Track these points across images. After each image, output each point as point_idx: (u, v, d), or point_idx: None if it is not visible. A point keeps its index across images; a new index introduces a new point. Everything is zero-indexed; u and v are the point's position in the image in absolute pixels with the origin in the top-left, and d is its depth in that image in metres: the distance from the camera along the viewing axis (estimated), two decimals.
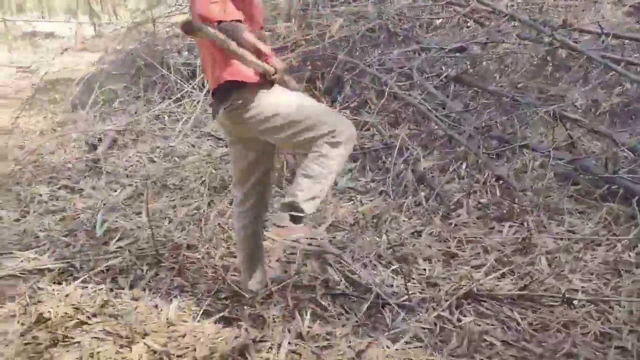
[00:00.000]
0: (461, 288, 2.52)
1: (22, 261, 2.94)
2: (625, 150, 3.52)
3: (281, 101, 2.19)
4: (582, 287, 2.53)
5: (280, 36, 5.64)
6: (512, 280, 2.62)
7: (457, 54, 5.03)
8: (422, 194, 3.52)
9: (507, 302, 2.45)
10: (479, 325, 2.31)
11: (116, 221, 3.37)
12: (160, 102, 5.26)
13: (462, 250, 2.94)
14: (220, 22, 2.03)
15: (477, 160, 3.68)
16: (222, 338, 2.26)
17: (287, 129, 2.16)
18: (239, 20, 2.07)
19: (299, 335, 2.26)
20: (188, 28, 2.00)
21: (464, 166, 3.88)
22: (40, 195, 3.81)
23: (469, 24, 5.49)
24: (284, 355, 2.13)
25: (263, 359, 2.13)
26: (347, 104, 4.98)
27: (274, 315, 2.38)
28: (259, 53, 2.12)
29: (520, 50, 4.92)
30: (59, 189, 3.97)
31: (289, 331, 2.28)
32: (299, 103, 2.22)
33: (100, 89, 5.68)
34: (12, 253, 3.03)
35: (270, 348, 2.18)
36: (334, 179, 2.27)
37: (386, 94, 4.52)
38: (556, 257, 2.80)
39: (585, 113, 4.55)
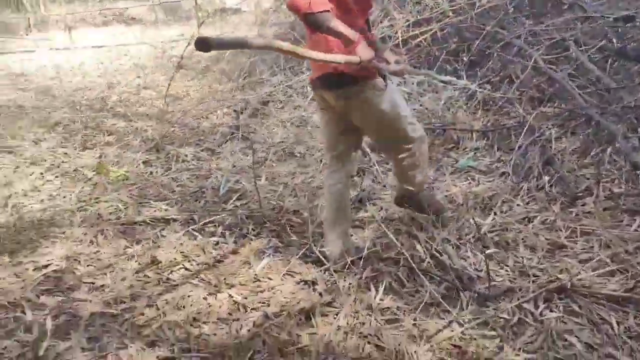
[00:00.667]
0: (555, 281, 2.30)
1: (155, 211, 3.37)
2: None
3: (387, 106, 2.45)
4: None
5: (428, 6, 5.48)
6: (620, 280, 2.30)
7: (625, 24, 4.41)
8: (546, 178, 3.22)
9: (606, 303, 2.17)
10: (565, 322, 2.09)
11: (239, 182, 3.66)
12: (299, 74, 5.46)
13: (574, 242, 2.65)
14: (307, 14, 2.13)
15: (616, 144, 3.23)
16: (296, 298, 2.38)
17: (379, 131, 2.57)
18: (327, 11, 2.13)
19: (369, 307, 2.28)
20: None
21: (608, 151, 3.45)
22: (186, 155, 4.28)
23: None
24: (345, 322, 2.17)
25: (326, 323, 2.19)
26: (488, 78, 4.69)
27: (350, 284, 2.42)
28: (347, 41, 2.18)
29: None
30: (202, 150, 4.41)
31: (360, 301, 2.31)
32: (397, 111, 2.50)
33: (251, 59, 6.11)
34: (149, 203, 3.48)
35: (337, 315, 2.23)
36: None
37: (529, 67, 4.17)
38: None
39: None
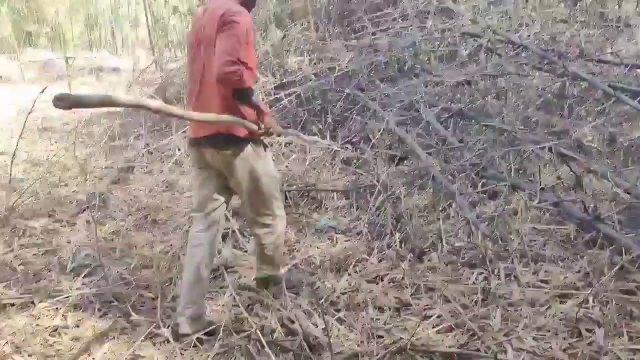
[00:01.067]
0: (397, 342, 2.37)
1: None
2: (621, 191, 3.22)
3: (265, 169, 2.62)
4: (531, 346, 2.30)
5: (291, 70, 5.68)
6: (457, 334, 2.42)
7: (463, 87, 4.86)
8: (397, 235, 3.37)
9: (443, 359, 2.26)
10: None
11: (90, 256, 3.45)
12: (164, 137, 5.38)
13: (419, 299, 2.77)
14: (240, 89, 2.39)
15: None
16: None
17: (253, 194, 2.63)
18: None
19: None
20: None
21: (453, 205, 3.69)
22: (35, 228, 3.98)
23: (480, 57, 5.28)
24: None
25: None
26: (349, 138, 4.90)
27: None
28: (259, 112, 2.51)
29: (531, 82, 4.68)
30: (54, 222, 4.13)
31: None
32: (273, 177, 2.70)
33: (121, 122, 5.94)
34: None
35: None
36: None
37: (382, 129, 4.43)
38: (518, 310, 2.58)
39: (600, 149, 4.26)
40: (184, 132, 5.29)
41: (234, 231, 3.65)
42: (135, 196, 4.56)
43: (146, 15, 14.43)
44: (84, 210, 4.34)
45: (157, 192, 4.60)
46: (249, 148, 2.54)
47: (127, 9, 17.33)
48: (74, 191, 4.78)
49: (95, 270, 3.29)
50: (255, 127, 2.50)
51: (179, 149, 5.24)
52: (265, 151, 2.66)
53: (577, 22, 5.63)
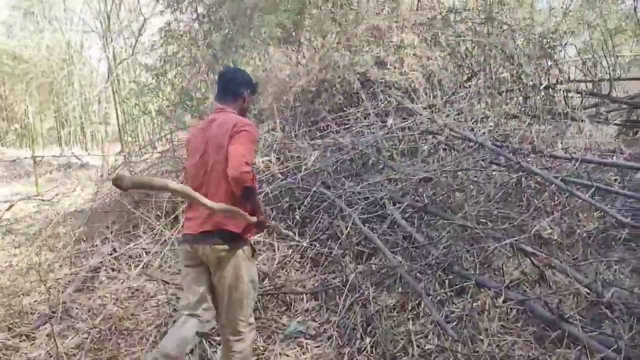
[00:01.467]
0: None
1: None
2: (582, 288, 3.30)
3: (249, 274, 2.83)
4: None
5: (259, 170, 5.80)
6: None
7: (426, 183, 5.02)
8: (367, 339, 3.35)
9: None
10: None
11: None
12: (130, 243, 5.33)
13: None
14: (248, 187, 2.66)
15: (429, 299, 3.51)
16: None
17: (232, 296, 2.78)
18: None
19: None
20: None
21: (422, 305, 3.71)
22: None
23: (441, 153, 5.52)
24: None
25: None
26: (317, 236, 4.95)
27: None
28: (258, 209, 2.81)
29: (489, 179, 4.88)
30: (13, 337, 3.97)
31: None
32: (255, 284, 2.89)
33: (88, 225, 5.89)
34: None
35: None
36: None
37: (348, 227, 4.50)
38: None
39: (560, 241, 4.39)
40: (153, 234, 5.28)
41: (201, 340, 3.57)
42: (100, 304, 4.44)
43: (117, 113, 14.77)
44: (45, 322, 4.20)
45: (123, 300, 4.49)
46: (242, 247, 2.81)
47: (96, 106, 17.65)
48: (35, 301, 4.64)
49: None
50: (254, 219, 2.77)
51: (147, 253, 5.19)
52: (253, 256, 2.90)
53: (528, 118, 5.97)
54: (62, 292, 4.61)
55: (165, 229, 5.19)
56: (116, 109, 15.32)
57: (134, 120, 13.75)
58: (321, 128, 6.46)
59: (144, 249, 5.17)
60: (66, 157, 16.03)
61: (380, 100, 6.37)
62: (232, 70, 3.23)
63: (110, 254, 5.04)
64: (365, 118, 6.26)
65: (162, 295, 4.38)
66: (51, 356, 3.61)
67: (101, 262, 5.02)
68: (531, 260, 3.94)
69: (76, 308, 4.38)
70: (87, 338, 3.85)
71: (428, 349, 3.21)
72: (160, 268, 4.80)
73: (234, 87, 3.00)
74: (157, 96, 9.63)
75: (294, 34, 8.06)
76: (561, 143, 5.30)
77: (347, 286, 3.78)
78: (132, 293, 4.64)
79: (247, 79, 3.07)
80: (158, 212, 5.52)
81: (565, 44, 7.43)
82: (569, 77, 7.13)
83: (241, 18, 8.00)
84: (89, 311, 4.34)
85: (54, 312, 4.30)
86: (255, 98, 2.95)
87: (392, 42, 6.60)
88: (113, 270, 4.98)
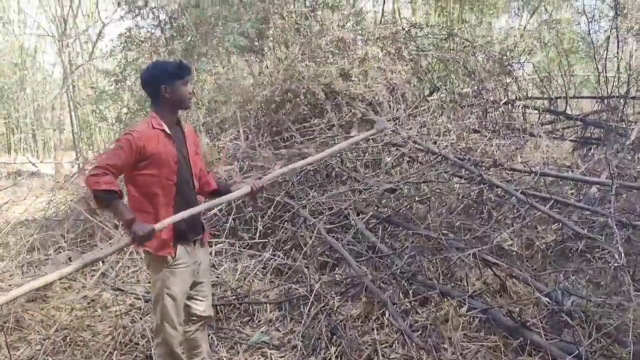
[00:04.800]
0: None
1: None
2: (542, 297, 3.38)
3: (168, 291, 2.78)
4: None
5: (220, 178, 5.72)
6: None
7: (389, 195, 5.07)
8: (332, 349, 3.32)
9: None
10: None
11: None
12: (86, 252, 5.16)
13: None
14: (95, 190, 2.59)
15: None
16: None
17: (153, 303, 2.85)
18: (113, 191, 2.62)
19: None
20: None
21: (387, 314, 3.71)
22: None
23: (405, 165, 5.58)
24: None
25: None
26: (280, 246, 4.91)
27: None
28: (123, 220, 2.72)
29: (451, 191, 4.96)
30: None
31: None
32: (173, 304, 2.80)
33: (41, 233, 5.66)
34: None
35: None
36: None
37: (313, 237, 4.48)
38: None
39: (520, 252, 4.49)
40: (110, 244, 5.12)
41: None
42: (54, 315, 4.26)
43: (71, 120, 14.34)
44: None
45: (78, 310, 4.32)
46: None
47: (50, 114, 17.11)
48: None
49: None
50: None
51: (104, 262, 5.02)
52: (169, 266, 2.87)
53: (488, 132, 6.12)
54: (14, 303, 4.39)
55: (123, 236, 5.04)
56: (71, 116, 14.87)
57: (90, 127, 13.37)
58: (285, 138, 6.44)
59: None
60: (17, 164, 15.44)
61: (345, 112, 6.40)
62: (144, 72, 2.81)
63: (65, 263, 4.84)
64: (329, 129, 6.28)
65: (121, 305, 4.24)
66: None
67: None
68: (493, 271, 4.01)
69: (28, 319, 4.19)
70: (40, 350, 3.68)
71: (393, 357, 3.21)
72: (117, 277, 4.64)
73: (149, 91, 2.78)
74: (116, 103, 9.40)
75: (257, 43, 8.04)
76: (520, 157, 5.44)
77: (312, 296, 3.75)
78: (88, 303, 4.48)
79: (160, 73, 2.75)
80: (115, 221, 5.36)
81: (523, 62, 7.67)
82: (526, 94, 7.37)
83: (204, 26, 7.93)
84: (41, 322, 4.16)
85: (4, 323, 4.10)
86: (190, 83, 2.63)
87: (356, 54, 6.67)
88: (68, 279, 4.78)
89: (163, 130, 2.73)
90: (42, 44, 19.72)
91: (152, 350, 3.01)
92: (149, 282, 4.57)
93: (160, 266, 2.74)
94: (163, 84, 2.71)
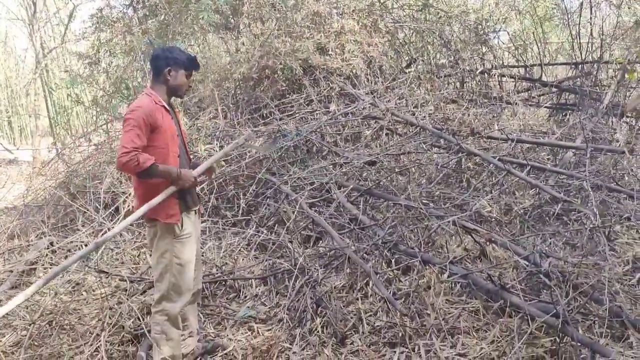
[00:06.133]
0: None
1: None
2: (521, 260, 3.46)
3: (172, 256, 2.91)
4: None
5: (201, 157, 5.70)
6: None
7: (369, 167, 5.10)
8: (318, 320, 3.37)
9: None
10: None
11: None
12: (68, 236, 5.13)
13: None
14: (139, 172, 2.79)
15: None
16: None
17: (157, 273, 2.94)
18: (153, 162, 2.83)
19: None
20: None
21: (370, 284, 3.77)
22: None
23: (384, 137, 5.61)
24: None
25: None
26: (263, 222, 4.93)
27: None
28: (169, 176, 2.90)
29: (430, 161, 5.01)
30: None
31: None
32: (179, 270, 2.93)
33: (21, 220, 5.61)
34: None
35: None
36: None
37: (295, 211, 4.51)
38: None
39: (499, 218, 4.57)
40: (92, 227, 5.10)
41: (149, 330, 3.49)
42: (38, 300, 4.25)
43: (47, 105, 14.05)
44: None
45: (62, 294, 4.32)
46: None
47: (25, 100, 16.74)
48: None
49: None
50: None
51: (86, 245, 4.99)
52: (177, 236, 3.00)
53: (465, 102, 6.16)
54: None
55: (105, 220, 5.02)
56: (46, 101, 14.58)
57: (67, 112, 13.12)
58: (264, 115, 6.42)
59: (82, 242, 4.98)
60: None
61: (323, 86, 6.39)
62: (159, 49, 3.03)
63: (47, 248, 4.82)
64: (308, 105, 6.27)
65: (106, 287, 4.24)
66: None
67: (37, 257, 4.79)
68: (472, 237, 4.09)
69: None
70: (25, 335, 3.68)
71: (378, 325, 3.27)
72: (101, 260, 4.63)
73: (155, 66, 2.95)
74: (91, 86, 9.22)
75: (232, 20, 7.93)
76: (497, 125, 5.50)
77: (297, 269, 3.79)
78: (73, 287, 4.47)
79: (171, 56, 2.94)
80: (97, 204, 5.33)
81: (499, 31, 7.70)
82: (502, 63, 7.41)
83: (177, 3, 7.78)
84: (26, 307, 4.15)
85: None
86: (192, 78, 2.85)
87: (332, 28, 6.63)
88: (51, 265, 4.77)
89: (163, 106, 2.90)
90: (13, 28, 19.21)
91: (151, 316, 3.06)
92: (136, 264, 4.62)
93: (170, 237, 2.88)
94: (169, 66, 2.91)
